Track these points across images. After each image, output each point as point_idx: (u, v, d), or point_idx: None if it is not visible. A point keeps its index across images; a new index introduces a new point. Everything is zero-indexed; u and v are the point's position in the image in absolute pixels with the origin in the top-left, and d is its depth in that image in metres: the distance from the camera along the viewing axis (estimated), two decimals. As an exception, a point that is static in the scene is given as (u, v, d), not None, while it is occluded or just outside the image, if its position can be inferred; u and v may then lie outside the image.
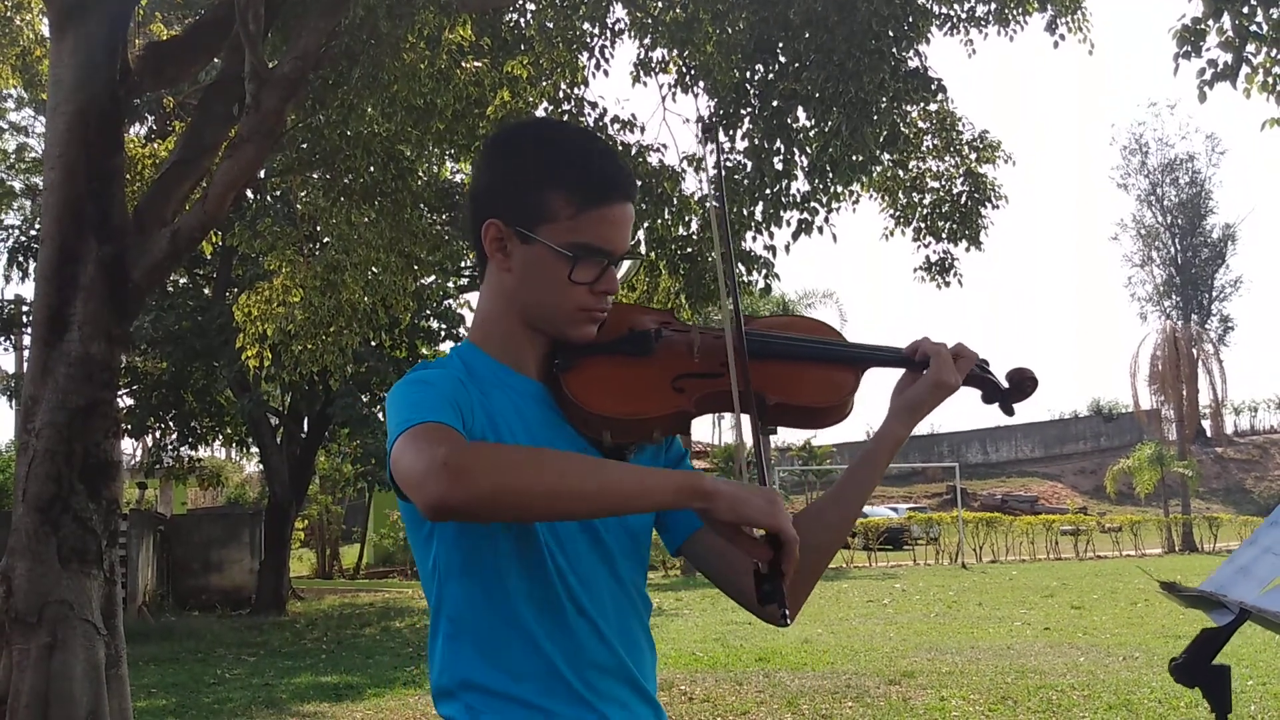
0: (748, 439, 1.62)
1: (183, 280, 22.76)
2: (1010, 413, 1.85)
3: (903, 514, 40.07)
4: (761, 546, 1.45)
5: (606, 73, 8.70)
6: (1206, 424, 52.59)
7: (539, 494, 1.37)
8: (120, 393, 22.11)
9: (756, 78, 7.47)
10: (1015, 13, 9.52)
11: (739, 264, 7.89)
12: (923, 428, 64.13)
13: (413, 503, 1.43)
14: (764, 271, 8.08)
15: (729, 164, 7.76)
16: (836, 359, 1.76)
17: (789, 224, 7.85)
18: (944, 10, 9.48)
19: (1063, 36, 9.76)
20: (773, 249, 8.08)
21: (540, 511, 1.43)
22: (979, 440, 60.72)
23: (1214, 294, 61.74)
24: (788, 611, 1.48)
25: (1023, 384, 1.81)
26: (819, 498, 1.80)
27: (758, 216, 7.78)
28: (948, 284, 11.01)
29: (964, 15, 9.54)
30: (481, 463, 1.36)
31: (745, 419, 1.63)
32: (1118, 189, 72.01)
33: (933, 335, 1.80)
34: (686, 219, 8.46)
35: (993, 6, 9.55)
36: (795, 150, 7.46)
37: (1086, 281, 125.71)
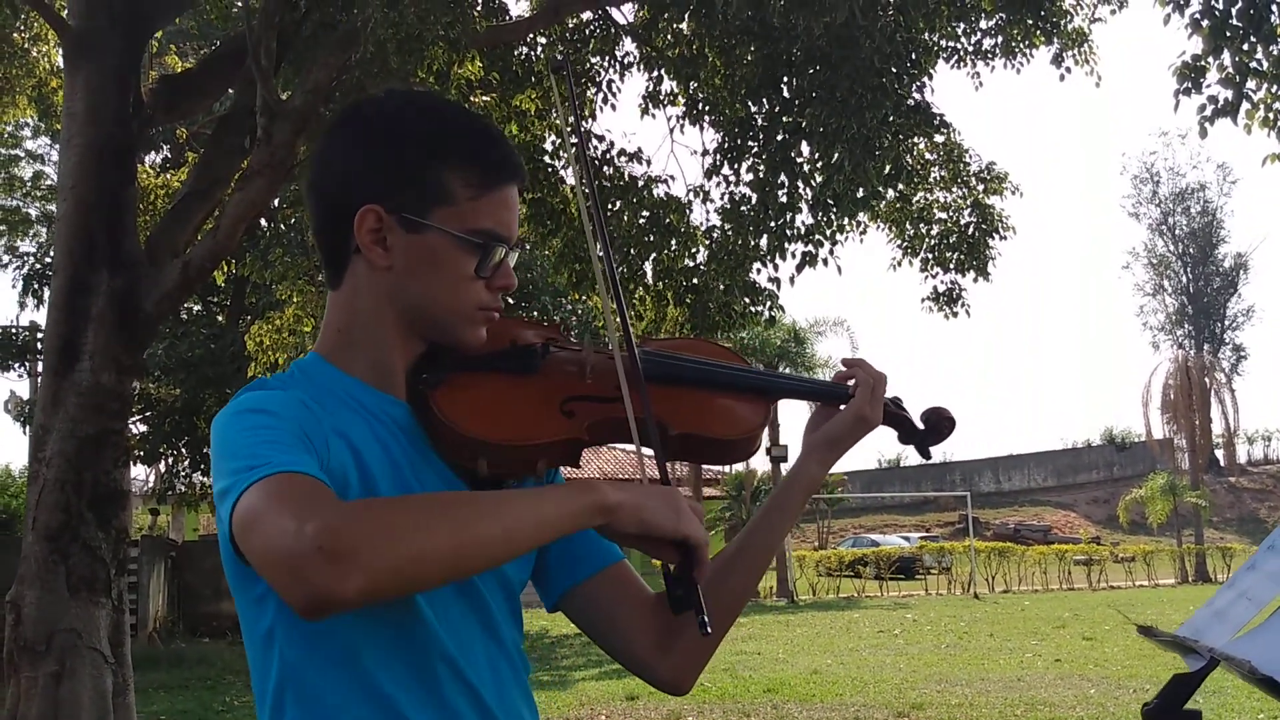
0: (651, 472, 1.39)
1: (196, 308, 22.92)
2: (927, 456, 1.70)
3: (914, 543, 39.92)
4: (669, 550, 1.30)
5: (614, 106, 8.79)
6: (1220, 453, 52.39)
7: (441, 557, 1.12)
8: (133, 419, 22.24)
9: (762, 112, 7.54)
10: (1021, 46, 9.60)
11: (744, 296, 7.96)
12: (935, 455, 64.14)
13: (264, 579, 1.14)
14: (768, 303, 8.11)
15: (735, 196, 7.82)
16: (746, 387, 1.57)
17: (793, 256, 7.90)
18: (950, 44, 9.57)
19: (1069, 69, 9.83)
20: (777, 281, 8.13)
21: (444, 578, 1.18)
22: (991, 469, 60.53)
23: (1226, 323, 61.63)
24: (707, 619, 1.29)
25: (939, 425, 1.65)
26: (722, 551, 1.56)
27: (762, 248, 7.83)
28: (955, 314, 11.02)
29: (971, 48, 9.63)
30: (366, 535, 1.08)
31: (648, 452, 1.42)
32: (1129, 218, 72.04)
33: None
34: (693, 250, 8.51)
35: (999, 40, 9.63)
36: (800, 184, 7.51)
37: (1100, 310, 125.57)
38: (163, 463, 23.85)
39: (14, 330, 21.75)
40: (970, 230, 10.95)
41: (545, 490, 1.28)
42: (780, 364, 31.75)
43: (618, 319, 1.50)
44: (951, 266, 10.95)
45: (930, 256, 11.07)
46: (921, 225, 11.11)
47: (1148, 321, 64.33)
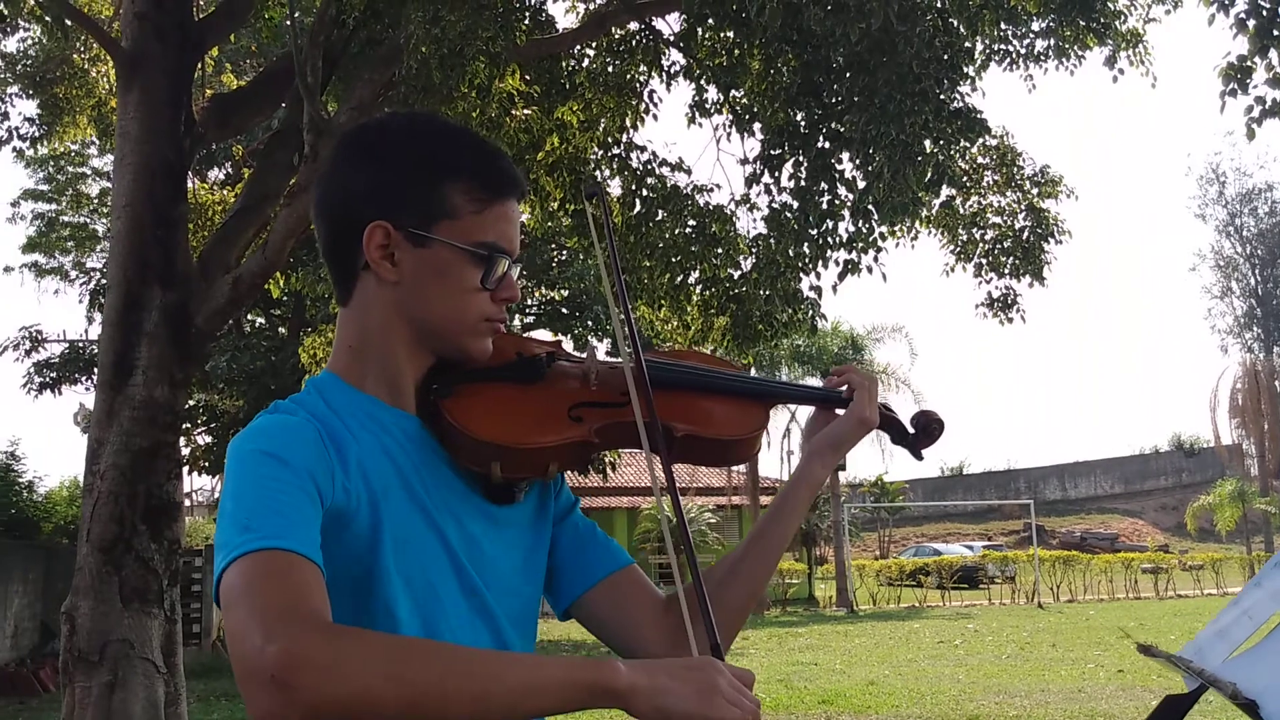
0: (659, 475, 1.42)
1: (260, 321, 23.29)
2: (920, 458, 1.74)
3: (978, 552, 39.42)
4: None
5: (655, 117, 8.79)
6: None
7: (398, 707, 1.10)
8: (198, 431, 22.67)
9: (802, 119, 7.50)
10: (1073, 48, 9.49)
11: (786, 305, 7.92)
12: (999, 463, 63.13)
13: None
14: (810, 312, 8.06)
15: (775, 205, 7.79)
16: (744, 393, 1.64)
17: (836, 264, 7.85)
18: (1002, 47, 9.49)
19: (1122, 71, 9.70)
20: (818, 289, 8.07)
21: None
22: (1057, 476, 59.68)
23: (1296, 325, 60.26)
24: None
25: (929, 428, 1.71)
26: (729, 554, 1.62)
27: (805, 256, 7.78)
28: (1010, 320, 10.90)
29: (1022, 51, 9.53)
30: (322, 670, 1.08)
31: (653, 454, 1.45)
32: (1195, 220, 70.79)
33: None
34: (736, 259, 8.49)
35: (1051, 42, 9.53)
36: (842, 189, 7.45)
37: (1168, 314, 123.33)
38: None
39: (82, 344, 22.19)
40: (1025, 235, 10.83)
41: (547, 659, 1.21)
42: (838, 371, 31.50)
43: (625, 327, 1.53)
44: (1006, 271, 10.83)
45: (984, 262, 10.96)
46: (975, 230, 11.01)
47: (1216, 325, 62.99)
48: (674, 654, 1.44)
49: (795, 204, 7.52)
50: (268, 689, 1.07)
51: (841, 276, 7.78)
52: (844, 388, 1.67)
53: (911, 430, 1.72)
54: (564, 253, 18.90)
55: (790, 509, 1.61)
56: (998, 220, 11.04)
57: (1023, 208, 11.00)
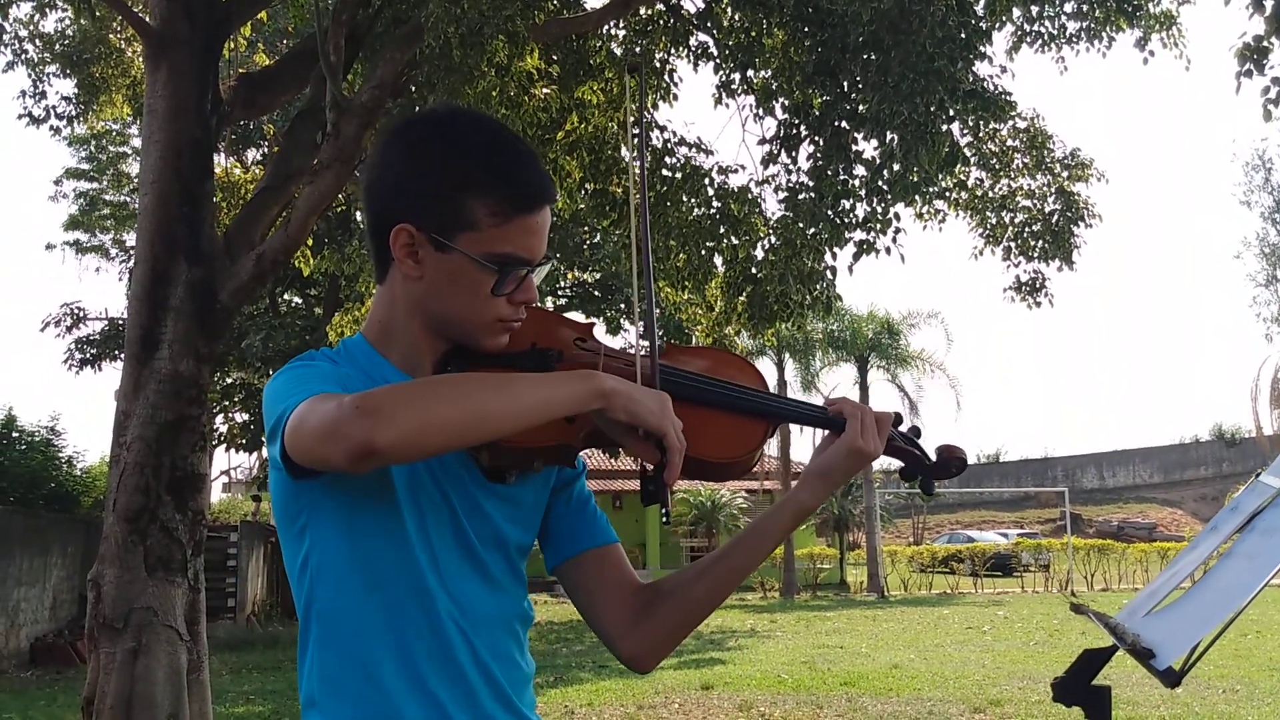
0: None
1: (296, 300, 23.50)
2: (930, 491, 1.71)
3: (1012, 540, 39.18)
4: (649, 449, 1.43)
5: (676, 97, 8.79)
6: (1335, 450, 50.42)
7: (458, 420, 1.30)
8: (235, 409, 22.94)
9: (819, 101, 7.49)
10: (1105, 29, 9.41)
11: (801, 285, 7.91)
12: (1036, 450, 62.39)
13: (312, 477, 1.37)
14: (825, 293, 8.06)
15: (793, 184, 7.78)
16: (749, 410, 1.60)
17: (853, 244, 7.83)
18: (1034, 29, 9.42)
19: (1153, 53, 9.61)
20: (833, 269, 8.06)
21: (464, 438, 1.34)
22: (1095, 465, 59.12)
23: (1344, 314, 59.15)
24: (668, 512, 1.48)
25: (949, 463, 1.68)
26: (697, 562, 1.68)
27: (821, 236, 7.77)
28: (1038, 304, 10.85)
29: (1054, 32, 9.47)
30: (392, 401, 1.28)
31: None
32: (1240, 206, 69.70)
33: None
34: (752, 240, 8.48)
35: (1084, 24, 9.45)
36: (859, 168, 7.43)
37: (1211, 301, 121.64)
38: (265, 450, 24.50)
39: (122, 322, 22.50)
40: (1054, 218, 10.76)
41: (550, 375, 1.42)
42: (872, 356, 31.37)
43: (644, 334, 1.64)
44: (1035, 255, 10.77)
45: (1013, 245, 10.91)
46: (1004, 213, 10.95)
47: (1261, 313, 61.93)
48: (631, 634, 1.65)
49: (811, 184, 7.52)
50: (355, 420, 1.25)
51: (856, 257, 7.76)
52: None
53: (932, 460, 1.69)
54: (596, 235, 18.95)
55: (766, 534, 1.63)
56: (1027, 203, 10.97)
57: (1052, 191, 10.93)
